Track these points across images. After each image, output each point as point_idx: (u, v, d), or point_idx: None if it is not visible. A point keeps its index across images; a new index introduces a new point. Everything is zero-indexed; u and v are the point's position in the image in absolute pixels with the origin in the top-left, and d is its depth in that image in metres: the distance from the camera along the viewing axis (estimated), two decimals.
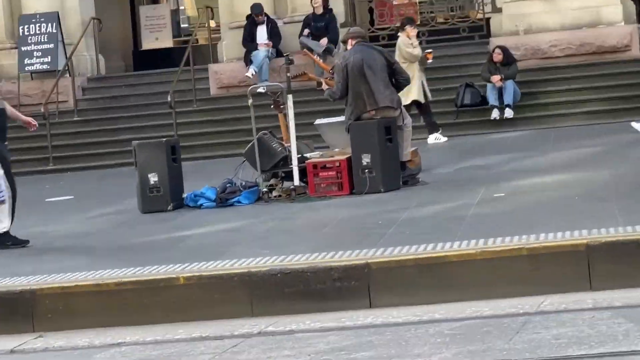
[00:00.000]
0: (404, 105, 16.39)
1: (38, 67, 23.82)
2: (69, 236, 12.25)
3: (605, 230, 8.77)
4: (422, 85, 19.16)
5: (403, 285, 8.51)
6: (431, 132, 19.54)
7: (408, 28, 19.46)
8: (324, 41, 22.29)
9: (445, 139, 19.42)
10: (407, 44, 19.13)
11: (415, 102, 18.88)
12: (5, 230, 11.54)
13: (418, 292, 8.44)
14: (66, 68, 23.29)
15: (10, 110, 12.44)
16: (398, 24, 19.33)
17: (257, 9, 22.57)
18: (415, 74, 18.48)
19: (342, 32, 19.09)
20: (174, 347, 7.69)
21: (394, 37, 21.50)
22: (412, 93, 18.21)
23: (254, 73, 21.98)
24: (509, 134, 19.37)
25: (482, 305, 8.01)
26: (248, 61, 22.55)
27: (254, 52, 22.39)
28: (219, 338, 7.84)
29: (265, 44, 22.55)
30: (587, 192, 11.27)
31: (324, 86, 14.84)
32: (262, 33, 22.65)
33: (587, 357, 6.26)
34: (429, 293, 8.40)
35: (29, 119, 12.89)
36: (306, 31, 22.13)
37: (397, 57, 18.54)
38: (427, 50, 20.22)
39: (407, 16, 21.70)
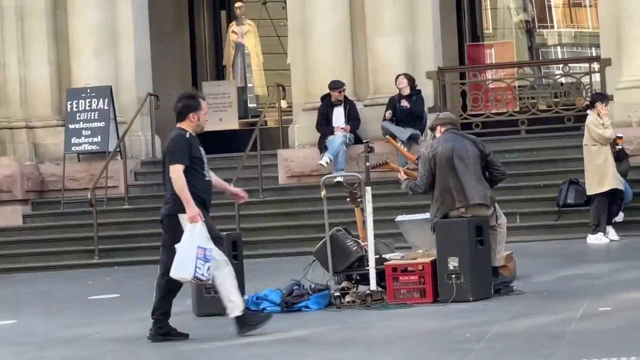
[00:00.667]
0: (598, 194, 15.99)
1: (86, 147, 23.27)
2: (116, 340, 12.07)
3: None
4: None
5: None
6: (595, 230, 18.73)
7: (599, 105, 18.62)
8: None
9: (607, 240, 18.63)
10: (598, 124, 18.60)
11: (613, 191, 18.49)
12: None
13: None
14: (118, 150, 22.77)
15: (215, 179, 12.35)
16: (586, 103, 18.15)
17: (337, 84, 21.70)
18: (608, 158, 18.30)
19: (431, 118, 18.08)
20: None
21: (490, 124, 21.28)
22: (607, 180, 17.97)
23: (328, 161, 21.11)
24: (620, 240, 18.85)
25: None
26: (322, 147, 21.64)
27: (330, 138, 21.51)
28: None
29: (342, 128, 21.62)
30: None
31: (401, 176, 14.37)
32: (339, 116, 21.77)
33: None
34: None
35: (237, 190, 12.89)
36: (388, 114, 21.39)
37: (586, 140, 18.48)
38: (617, 135, 19.43)
39: (598, 92, 20.93)
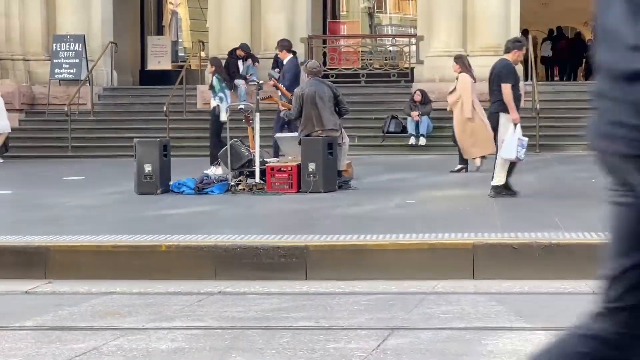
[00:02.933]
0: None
1: (65, 76, 23.06)
2: (79, 207, 12.00)
3: (487, 235, 8.74)
4: None
5: (332, 265, 8.43)
6: None
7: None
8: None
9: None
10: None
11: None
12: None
13: (343, 270, 8.33)
14: (87, 79, 22.58)
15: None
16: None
17: (246, 48, 21.61)
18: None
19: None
20: (153, 298, 7.55)
21: (341, 75, 21.33)
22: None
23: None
24: (421, 156, 19.16)
25: (390, 284, 7.92)
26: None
27: (236, 81, 20.95)
28: (188, 294, 7.70)
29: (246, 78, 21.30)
30: (476, 205, 11.23)
31: (281, 107, 14.60)
32: (241, 66, 21.49)
33: (466, 329, 6.21)
34: (351, 272, 8.29)
35: None
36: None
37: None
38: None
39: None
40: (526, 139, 12.00)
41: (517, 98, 11.97)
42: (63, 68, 23.08)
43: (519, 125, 11.77)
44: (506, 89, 11.77)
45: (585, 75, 30.06)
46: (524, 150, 11.73)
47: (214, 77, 17.06)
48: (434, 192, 12.98)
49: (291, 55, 19.13)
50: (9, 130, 20.62)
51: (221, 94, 16.73)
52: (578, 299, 7.26)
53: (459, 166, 15.63)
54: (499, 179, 11.84)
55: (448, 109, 15.80)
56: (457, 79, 15.57)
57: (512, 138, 11.64)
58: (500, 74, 12.00)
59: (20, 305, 7.42)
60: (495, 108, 12.01)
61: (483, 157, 15.15)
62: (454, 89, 15.35)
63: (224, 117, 16.11)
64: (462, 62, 15.86)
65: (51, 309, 7.19)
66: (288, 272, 8.37)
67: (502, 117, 11.77)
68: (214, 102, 16.75)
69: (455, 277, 8.08)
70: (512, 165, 11.87)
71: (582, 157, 18.26)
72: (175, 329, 6.36)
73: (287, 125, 16.31)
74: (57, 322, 6.72)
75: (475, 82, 15.49)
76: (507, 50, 12.35)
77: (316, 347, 5.77)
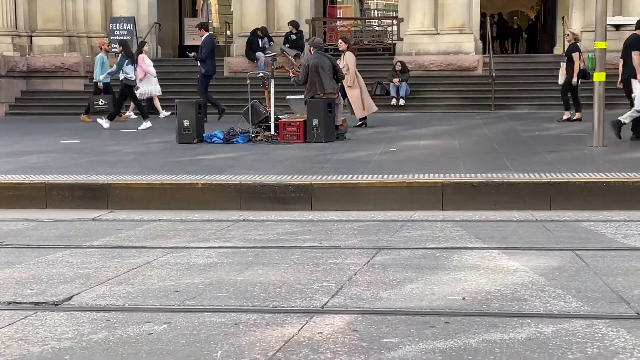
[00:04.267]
0: None
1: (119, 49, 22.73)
2: (133, 153, 11.98)
3: (453, 175, 8.75)
4: None
5: (332, 198, 8.43)
6: None
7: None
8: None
9: None
10: None
11: None
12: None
13: (340, 203, 8.36)
14: (137, 52, 22.17)
15: None
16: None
17: (264, 31, 21.57)
18: None
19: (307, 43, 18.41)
20: (192, 224, 7.57)
21: (337, 50, 21.20)
22: None
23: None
24: (401, 114, 19.01)
25: (377, 214, 7.97)
26: (249, 57, 21.53)
27: (257, 54, 21.23)
28: (219, 221, 7.71)
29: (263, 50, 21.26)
30: (444, 152, 11.24)
31: (291, 75, 14.61)
32: (260, 43, 21.43)
33: (437, 248, 6.25)
34: (347, 204, 8.33)
35: None
36: (287, 45, 21.33)
37: None
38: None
39: None
40: None
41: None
42: (117, 43, 22.78)
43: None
44: (635, 55, 11.74)
45: (526, 49, 30.17)
46: None
47: (120, 54, 16.95)
48: (412, 142, 12.99)
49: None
50: (160, 93, 19.84)
51: (128, 67, 16.67)
52: (523, 225, 7.34)
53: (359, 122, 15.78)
54: (624, 120, 12.01)
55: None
56: (343, 55, 15.39)
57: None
58: (632, 45, 11.90)
59: (88, 229, 7.48)
60: (627, 73, 12.02)
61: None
62: (345, 65, 15.10)
63: (133, 77, 16.84)
64: (348, 42, 15.86)
65: (113, 232, 7.26)
66: (297, 204, 8.41)
67: (633, 81, 11.84)
68: (125, 74, 16.65)
69: (428, 209, 8.15)
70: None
71: (529, 114, 18.28)
72: (209, 248, 6.42)
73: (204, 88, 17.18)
74: (117, 242, 6.79)
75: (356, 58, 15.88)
76: (638, 26, 12.21)
77: (319, 262, 5.84)
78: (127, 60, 16.71)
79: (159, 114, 19.28)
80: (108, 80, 17.83)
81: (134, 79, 17.01)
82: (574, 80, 15.73)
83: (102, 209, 8.58)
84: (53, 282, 5.37)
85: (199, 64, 17.77)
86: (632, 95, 11.85)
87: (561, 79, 16.24)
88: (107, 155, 11.79)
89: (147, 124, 16.47)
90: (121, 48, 17.08)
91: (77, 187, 8.89)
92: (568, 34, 16.53)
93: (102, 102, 18.04)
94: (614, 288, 4.94)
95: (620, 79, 12.44)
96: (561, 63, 16.56)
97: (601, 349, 3.86)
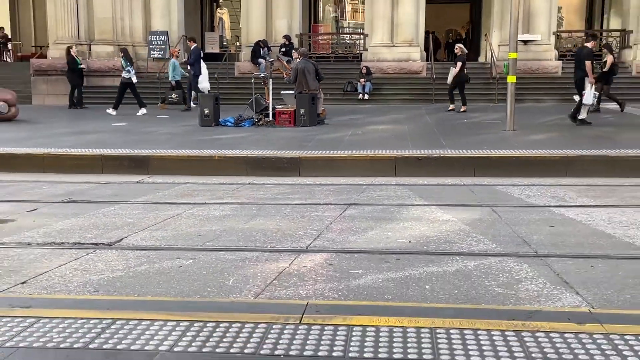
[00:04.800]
0: None
1: (157, 55, 22.07)
2: (166, 134, 11.78)
3: (403, 151, 8.72)
4: None
5: (314, 168, 8.37)
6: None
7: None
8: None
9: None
10: None
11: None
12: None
13: (321, 172, 8.31)
14: (168, 57, 21.34)
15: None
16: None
17: (265, 42, 20.96)
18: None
19: (296, 52, 18.07)
20: (210, 186, 7.51)
21: (319, 57, 20.77)
22: None
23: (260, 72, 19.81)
24: (366, 106, 18.69)
25: (348, 179, 7.94)
26: (255, 63, 20.89)
27: (259, 60, 20.53)
28: (230, 184, 7.66)
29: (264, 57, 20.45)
30: (397, 134, 11.15)
31: (285, 75, 14.40)
32: (262, 52, 20.74)
33: (391, 205, 6.24)
34: (325, 172, 8.28)
35: None
36: (281, 53, 20.90)
37: None
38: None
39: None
40: (596, 93, 11.77)
41: (592, 70, 11.82)
42: (155, 51, 22.33)
43: (592, 86, 11.69)
44: (588, 64, 11.60)
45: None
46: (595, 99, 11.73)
47: (122, 58, 16.51)
48: (373, 126, 12.93)
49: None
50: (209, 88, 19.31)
51: (128, 68, 16.15)
52: (454, 188, 7.36)
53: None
54: (583, 115, 11.93)
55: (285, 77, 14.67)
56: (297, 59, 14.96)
57: (589, 92, 11.58)
58: (585, 57, 11.74)
59: (134, 189, 7.44)
60: (580, 75, 11.87)
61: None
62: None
63: (134, 79, 16.24)
64: (301, 53, 15.01)
65: (152, 192, 7.22)
66: (289, 172, 8.35)
67: (586, 79, 11.71)
68: (124, 74, 16.21)
69: (385, 176, 8.15)
70: (582, 107, 11.89)
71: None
72: (223, 204, 6.41)
73: (194, 83, 16.71)
74: (155, 199, 6.76)
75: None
76: (587, 40, 12.13)
77: (305, 214, 5.84)
78: (127, 63, 16.26)
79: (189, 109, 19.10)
80: (129, 77, 16.65)
81: (130, 77, 16.57)
82: (449, 80, 15.68)
83: (143, 174, 8.52)
84: (107, 228, 5.35)
85: (188, 67, 17.57)
86: (582, 92, 11.79)
87: (450, 79, 16.11)
88: (147, 135, 11.68)
89: (143, 111, 16.15)
90: (122, 54, 16.60)
91: (125, 158, 8.81)
92: (456, 48, 16.15)
93: (174, 95, 17.98)
94: (519, 234, 5.00)
95: (574, 79, 12.30)
96: (451, 68, 16.40)
97: (509, 278, 3.91)
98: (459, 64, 15.59)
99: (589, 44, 11.96)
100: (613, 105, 15.09)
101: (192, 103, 17.15)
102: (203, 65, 17.80)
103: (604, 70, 14.30)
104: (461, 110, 15.80)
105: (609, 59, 14.42)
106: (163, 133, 11.98)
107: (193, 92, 17.31)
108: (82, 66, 18.84)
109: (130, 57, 17.25)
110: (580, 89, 12.00)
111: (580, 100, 11.96)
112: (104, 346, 2.84)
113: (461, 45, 16.34)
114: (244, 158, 8.58)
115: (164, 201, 6.60)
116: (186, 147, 9.57)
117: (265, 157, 8.55)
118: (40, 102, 21.26)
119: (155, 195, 6.99)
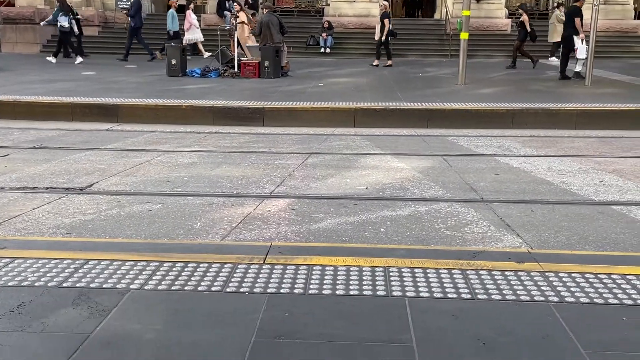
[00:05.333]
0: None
1: (124, 6, 20.50)
2: (134, 83, 11.47)
3: (362, 103, 8.67)
4: None
5: (278, 118, 8.29)
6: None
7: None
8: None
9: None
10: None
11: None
12: None
13: (284, 121, 8.24)
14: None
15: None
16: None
17: None
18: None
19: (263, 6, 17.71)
20: (178, 135, 7.40)
21: (283, 11, 20.32)
22: None
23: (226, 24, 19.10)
24: (327, 59, 18.37)
25: (309, 129, 7.88)
26: (219, 15, 20.32)
27: (225, 12, 19.85)
28: (197, 133, 7.55)
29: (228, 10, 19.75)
30: (357, 87, 11.04)
31: (249, 28, 13.98)
32: (228, 4, 20.02)
33: (350, 154, 6.24)
34: (288, 122, 8.20)
35: None
36: (246, 6, 20.19)
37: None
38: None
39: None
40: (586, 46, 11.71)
41: (582, 26, 11.72)
42: (122, 1, 21.58)
43: (583, 40, 11.66)
44: (577, 21, 11.55)
45: (422, 15, 29.76)
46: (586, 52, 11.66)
47: (57, 7, 15.86)
48: (334, 79, 12.80)
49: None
50: (202, 39, 18.02)
51: (60, 17, 15.45)
52: (409, 138, 7.41)
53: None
54: (578, 68, 11.98)
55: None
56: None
57: (581, 46, 11.59)
58: (574, 13, 11.71)
59: (103, 136, 7.29)
60: (569, 32, 11.78)
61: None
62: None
63: (66, 25, 15.50)
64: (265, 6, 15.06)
65: (121, 139, 7.09)
66: (253, 122, 8.27)
67: (575, 37, 11.66)
68: (59, 24, 15.58)
69: (345, 126, 8.13)
70: (568, 60, 11.96)
71: (416, 61, 18.21)
72: (191, 152, 6.34)
73: (136, 36, 16.35)
74: (125, 146, 6.64)
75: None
76: (575, 0, 12.08)
77: (269, 162, 5.83)
78: (61, 12, 15.43)
79: (203, 55, 18.24)
80: (66, 25, 15.71)
81: (67, 27, 15.70)
82: (383, 38, 15.65)
83: (113, 122, 8.32)
84: (79, 174, 5.25)
85: (129, 20, 16.88)
86: (575, 48, 11.90)
87: (377, 36, 16.04)
88: (116, 83, 11.36)
89: (80, 59, 15.63)
90: (59, 3, 15.72)
91: (94, 106, 8.58)
92: (381, 5, 15.96)
93: (173, 44, 17.37)
94: (467, 181, 5.09)
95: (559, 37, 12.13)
96: (376, 25, 16.27)
97: (457, 221, 4.00)
98: (386, 20, 15.52)
99: (577, 3, 12.09)
100: (557, 62, 15.28)
101: (127, 57, 16.35)
102: (193, 16, 17.29)
103: (519, 28, 14.82)
104: (386, 64, 15.72)
105: (524, 18, 14.76)
106: (132, 82, 11.66)
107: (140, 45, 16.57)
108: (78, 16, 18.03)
109: (68, 6, 16.25)
110: (569, 45, 12.14)
111: (566, 56, 12.18)
112: (77, 285, 2.83)
113: (386, 3, 16.17)
114: (211, 108, 8.44)
115: (133, 148, 6.48)
116: (154, 96, 9.35)
117: (231, 107, 8.42)
118: (10, 50, 20.40)
119: (124, 142, 6.85)
